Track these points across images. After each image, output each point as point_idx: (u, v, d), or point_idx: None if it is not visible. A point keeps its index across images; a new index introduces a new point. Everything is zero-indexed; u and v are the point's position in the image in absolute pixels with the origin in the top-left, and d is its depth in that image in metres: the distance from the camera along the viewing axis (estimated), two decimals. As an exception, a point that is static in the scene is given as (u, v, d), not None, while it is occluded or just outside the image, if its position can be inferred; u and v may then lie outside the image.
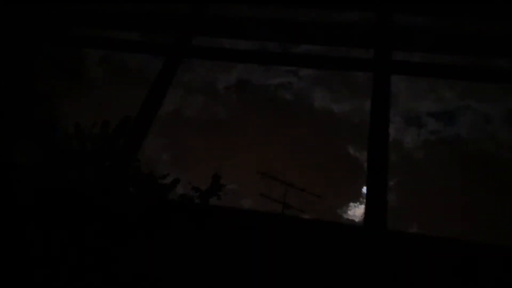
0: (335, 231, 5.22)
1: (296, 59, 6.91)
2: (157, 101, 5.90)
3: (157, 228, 7.83)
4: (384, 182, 5.78)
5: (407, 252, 5.20)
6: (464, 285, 5.25)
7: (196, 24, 7.31)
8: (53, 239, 7.86)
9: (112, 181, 11.18)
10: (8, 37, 10.39)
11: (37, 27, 9.46)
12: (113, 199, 10.84)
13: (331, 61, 8.11)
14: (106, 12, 8.83)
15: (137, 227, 8.60)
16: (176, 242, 6.24)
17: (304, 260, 5.26)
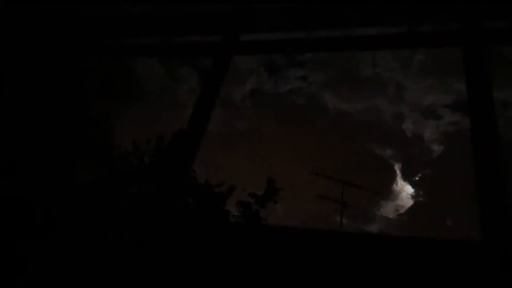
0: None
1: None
2: (210, 104, 6.00)
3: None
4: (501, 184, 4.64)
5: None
6: None
7: (241, 21, 7.27)
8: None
9: (171, 194, 11.24)
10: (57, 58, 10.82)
11: (74, 41, 9.74)
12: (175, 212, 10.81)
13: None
14: (132, 18, 8.95)
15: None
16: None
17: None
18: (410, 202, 20.92)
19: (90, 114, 10.33)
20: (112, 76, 10.97)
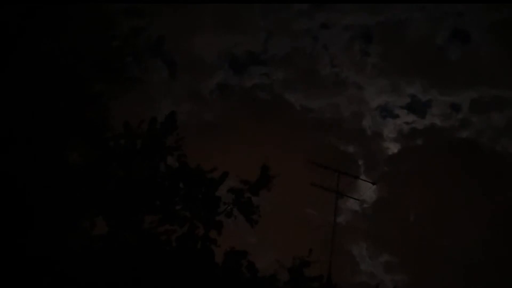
0: None
1: None
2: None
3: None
4: None
5: None
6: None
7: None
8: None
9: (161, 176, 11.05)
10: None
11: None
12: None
13: None
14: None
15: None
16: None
17: None
18: (373, 197, 21.43)
19: (86, 93, 10.18)
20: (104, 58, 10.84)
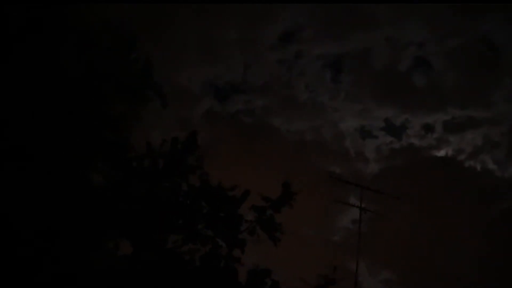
0: None
1: None
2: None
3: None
4: None
5: None
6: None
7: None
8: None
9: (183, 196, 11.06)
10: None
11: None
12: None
13: None
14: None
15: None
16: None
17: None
18: (363, 214, 22.00)
19: (108, 115, 10.22)
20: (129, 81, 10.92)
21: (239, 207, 11.11)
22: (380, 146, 27.37)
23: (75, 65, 10.16)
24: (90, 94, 10.38)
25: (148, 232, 10.60)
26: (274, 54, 28.00)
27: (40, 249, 9.31)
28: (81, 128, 10.17)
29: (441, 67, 27.84)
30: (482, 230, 24.01)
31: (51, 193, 9.78)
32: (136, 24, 11.64)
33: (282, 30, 26.90)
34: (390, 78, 27.69)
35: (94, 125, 10.24)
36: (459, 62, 26.99)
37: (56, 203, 9.72)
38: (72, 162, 9.94)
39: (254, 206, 11.12)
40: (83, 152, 10.15)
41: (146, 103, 10.86)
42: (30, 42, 9.65)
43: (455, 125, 26.92)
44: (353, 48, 27.51)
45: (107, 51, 10.54)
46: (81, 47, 10.26)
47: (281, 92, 28.70)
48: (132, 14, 12.21)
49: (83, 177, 10.10)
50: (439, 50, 27.92)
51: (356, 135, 27.62)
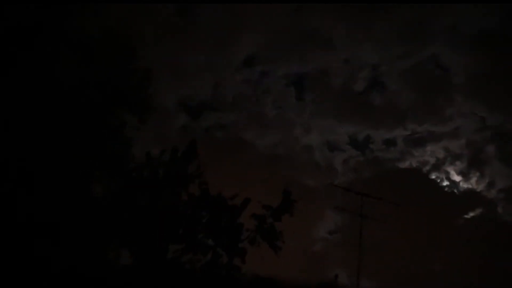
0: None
1: None
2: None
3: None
4: None
5: None
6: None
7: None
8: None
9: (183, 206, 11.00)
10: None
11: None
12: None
13: None
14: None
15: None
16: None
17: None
18: (338, 224, 22.81)
19: (108, 125, 10.07)
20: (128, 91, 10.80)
21: (240, 216, 11.11)
22: (348, 159, 28.33)
23: (74, 75, 10.02)
24: (89, 104, 10.24)
25: (148, 242, 10.47)
26: (241, 74, 29.38)
27: (42, 258, 9.10)
28: (81, 139, 10.00)
29: (395, 86, 29.54)
30: (451, 238, 24.67)
31: (52, 204, 9.57)
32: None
33: (247, 53, 28.52)
34: (348, 97, 29.47)
35: (94, 136, 10.08)
36: (412, 81, 28.76)
37: (57, 214, 9.51)
38: (73, 173, 9.75)
39: (254, 214, 11.14)
40: (83, 163, 9.98)
41: (146, 113, 10.79)
42: (30, 52, 9.47)
43: (416, 139, 28.24)
44: (313, 69, 29.40)
45: (107, 61, 10.43)
46: (79, 57, 10.13)
47: (249, 108, 30.05)
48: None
49: (84, 188, 9.91)
50: (392, 71, 29.26)
51: (324, 149, 28.68)
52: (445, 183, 27.26)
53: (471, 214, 25.65)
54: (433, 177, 27.47)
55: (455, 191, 27.65)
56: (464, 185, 27.42)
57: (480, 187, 27.04)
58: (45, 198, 9.23)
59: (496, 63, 26.32)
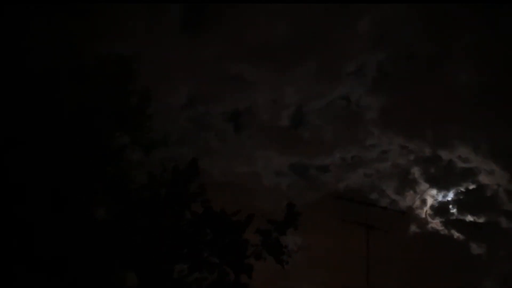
0: None
1: None
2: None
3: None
4: None
5: None
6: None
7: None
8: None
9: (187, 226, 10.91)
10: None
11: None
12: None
13: None
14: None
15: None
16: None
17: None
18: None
19: (108, 148, 10.09)
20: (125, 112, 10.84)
21: (244, 232, 10.98)
22: (292, 183, 31.96)
23: (72, 99, 10.08)
24: (88, 127, 10.27)
25: (153, 263, 10.37)
26: (185, 113, 32.16)
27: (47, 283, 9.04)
28: (81, 163, 10.01)
29: (317, 122, 33.56)
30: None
31: (54, 229, 9.54)
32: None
33: (188, 95, 31.46)
34: (279, 132, 33.22)
35: (93, 159, 10.09)
36: (329, 118, 32.91)
37: (60, 239, 9.47)
38: (74, 197, 9.74)
39: (258, 229, 11.02)
40: (84, 186, 9.97)
41: (146, 134, 10.81)
42: (26, 76, 9.57)
43: (347, 165, 31.75)
44: (244, 107, 32.96)
45: (104, 83, 10.51)
46: (77, 81, 10.21)
47: (195, 143, 32.53)
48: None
49: (85, 212, 9.88)
50: (312, 109, 33.43)
51: (271, 175, 32.21)
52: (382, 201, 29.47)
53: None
54: (372, 197, 29.64)
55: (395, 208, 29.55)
56: (403, 203, 29.56)
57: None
58: (48, 227, 9.19)
59: (396, 100, 30.83)
